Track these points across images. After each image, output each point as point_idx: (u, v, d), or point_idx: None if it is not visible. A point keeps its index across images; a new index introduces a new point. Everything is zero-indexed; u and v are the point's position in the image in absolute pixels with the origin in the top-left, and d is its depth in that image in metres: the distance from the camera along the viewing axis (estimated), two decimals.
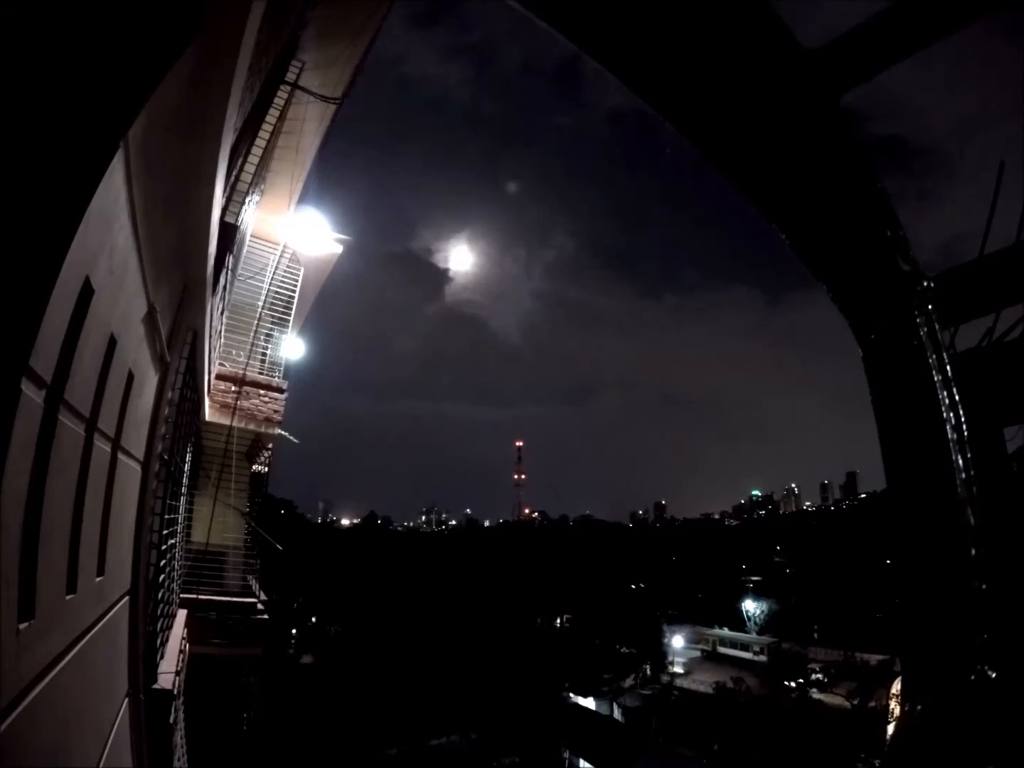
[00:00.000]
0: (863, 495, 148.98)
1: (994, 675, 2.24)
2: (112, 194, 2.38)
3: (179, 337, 5.29)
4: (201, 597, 9.42)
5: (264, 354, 11.71)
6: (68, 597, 2.78)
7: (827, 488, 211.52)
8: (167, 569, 6.53)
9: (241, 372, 10.58)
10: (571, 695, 38.93)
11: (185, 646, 7.21)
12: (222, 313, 8.33)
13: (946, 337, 2.79)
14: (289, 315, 12.11)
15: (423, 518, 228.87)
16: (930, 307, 2.68)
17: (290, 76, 7.92)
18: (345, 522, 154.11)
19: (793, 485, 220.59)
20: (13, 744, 2.03)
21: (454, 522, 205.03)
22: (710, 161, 2.79)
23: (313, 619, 45.92)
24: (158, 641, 5.62)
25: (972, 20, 2.47)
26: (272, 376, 11.61)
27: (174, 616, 7.57)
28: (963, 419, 2.56)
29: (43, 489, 2.19)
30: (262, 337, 11.69)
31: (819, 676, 38.64)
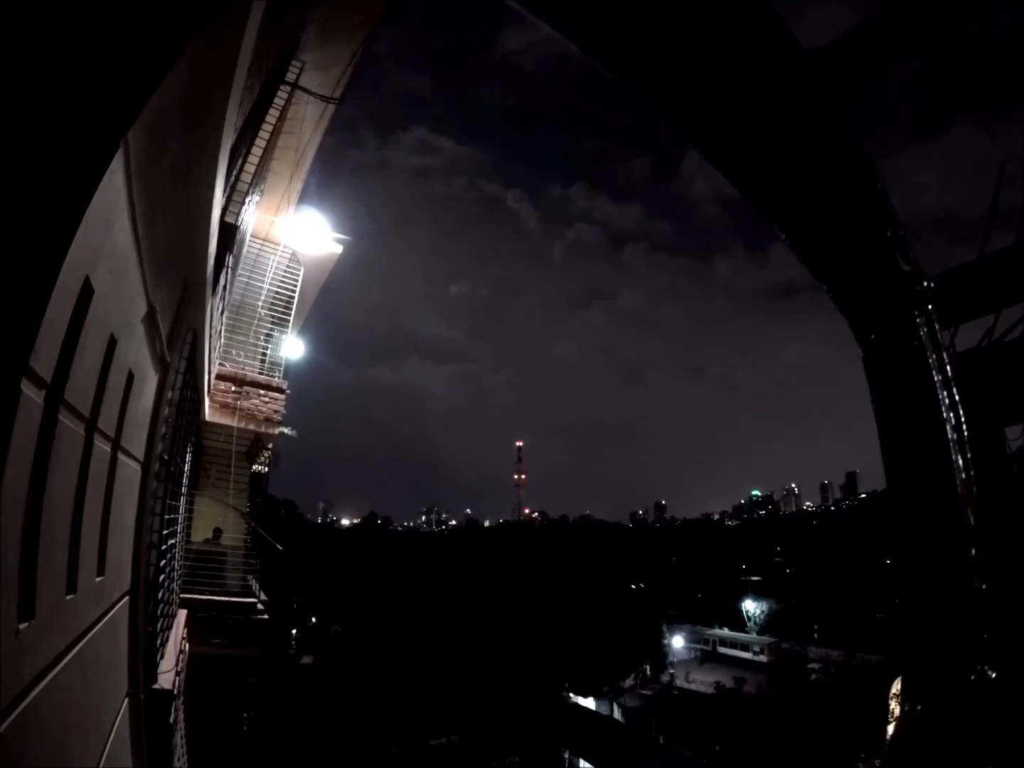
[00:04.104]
0: (863, 495, 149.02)
1: (994, 675, 2.24)
2: (112, 194, 2.38)
3: (179, 337, 5.28)
4: (201, 597, 9.42)
5: (264, 354, 11.71)
6: (68, 597, 2.78)
7: (827, 488, 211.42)
8: (167, 569, 6.52)
9: (241, 372, 10.58)
10: (571, 695, 38.92)
11: (185, 646, 7.21)
12: (222, 313, 8.33)
13: (946, 337, 2.79)
14: (289, 315, 12.11)
15: (423, 518, 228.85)
16: (930, 307, 2.68)
17: (290, 76, 7.92)
18: (345, 522, 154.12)
19: (793, 485, 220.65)
20: (13, 744, 2.03)
21: (454, 522, 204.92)
22: (710, 161, 2.79)
23: (313, 619, 45.91)
24: (158, 641, 5.61)
25: (967, 22, 2.47)
26: (272, 376, 11.61)
27: (174, 616, 7.56)
28: (963, 419, 2.56)
29: (43, 489, 2.19)
30: (262, 337, 11.69)
31: (819, 676, 38.63)
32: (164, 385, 5.09)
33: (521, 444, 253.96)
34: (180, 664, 6.17)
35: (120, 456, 3.71)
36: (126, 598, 4.47)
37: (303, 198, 11.57)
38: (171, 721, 5.39)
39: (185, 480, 8.84)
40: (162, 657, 5.75)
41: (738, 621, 58.98)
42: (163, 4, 1.69)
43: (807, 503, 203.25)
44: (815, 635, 51.03)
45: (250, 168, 7.14)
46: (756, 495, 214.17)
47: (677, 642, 51.67)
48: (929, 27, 2.57)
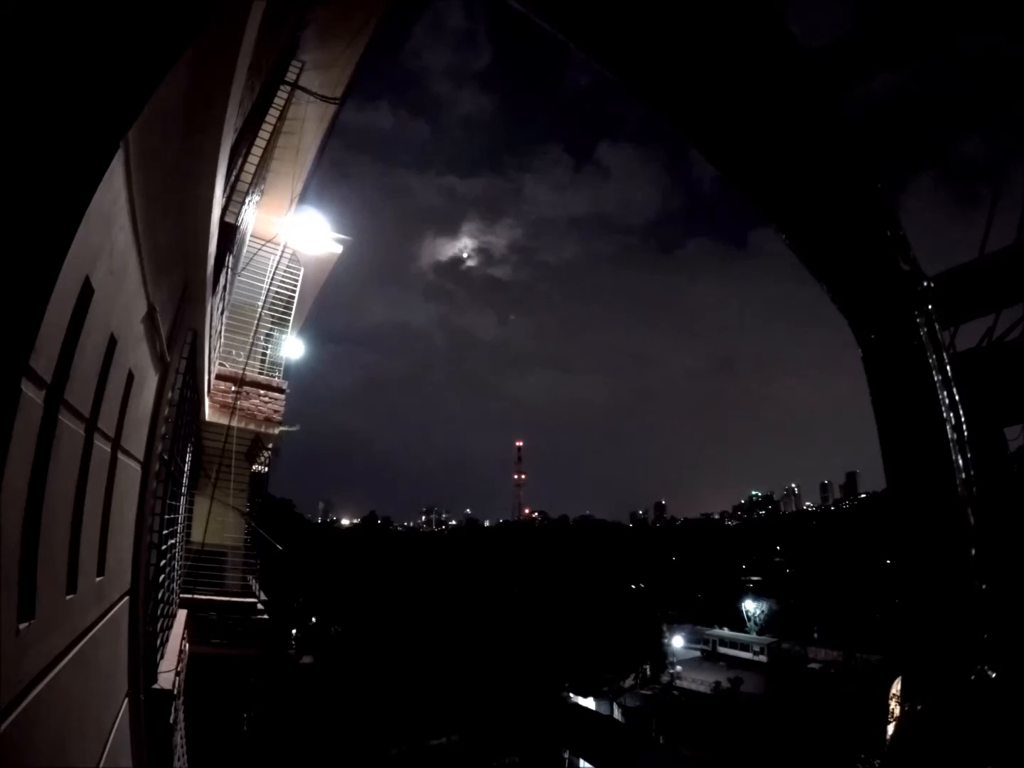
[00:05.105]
0: (863, 495, 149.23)
1: (994, 675, 2.24)
2: (112, 194, 2.38)
3: (179, 337, 5.28)
4: (201, 597, 9.42)
5: (264, 354, 11.71)
6: (68, 597, 2.78)
7: (827, 488, 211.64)
8: (167, 569, 6.52)
9: (241, 372, 10.58)
10: (571, 695, 38.91)
11: (185, 646, 7.21)
12: (222, 313, 8.32)
13: (946, 337, 2.79)
14: (289, 315, 12.11)
15: (423, 518, 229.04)
16: (930, 307, 2.68)
17: (290, 76, 7.92)
18: (345, 522, 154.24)
19: (793, 485, 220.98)
20: (13, 744, 2.03)
21: (454, 522, 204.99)
22: (710, 160, 2.79)
23: (313, 619, 45.91)
24: (158, 641, 5.61)
25: (964, 29, 2.48)
26: (272, 376, 11.61)
27: (174, 616, 7.56)
28: (963, 419, 2.56)
29: (43, 489, 2.18)
30: (262, 337, 11.69)
31: (818, 676, 38.63)
32: (164, 385, 5.09)
33: (521, 444, 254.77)
34: (180, 664, 6.17)
35: (120, 456, 3.71)
36: (126, 598, 4.46)
37: (303, 198, 11.56)
38: (171, 721, 5.39)
39: (185, 480, 8.84)
40: (162, 657, 5.75)
41: (738, 621, 58.98)
42: (163, 4, 1.69)
43: (807, 503, 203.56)
44: (815, 635, 51.04)
45: (250, 168, 7.13)
46: (756, 495, 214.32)
47: (677, 642, 51.66)
48: (928, 32, 2.57)
